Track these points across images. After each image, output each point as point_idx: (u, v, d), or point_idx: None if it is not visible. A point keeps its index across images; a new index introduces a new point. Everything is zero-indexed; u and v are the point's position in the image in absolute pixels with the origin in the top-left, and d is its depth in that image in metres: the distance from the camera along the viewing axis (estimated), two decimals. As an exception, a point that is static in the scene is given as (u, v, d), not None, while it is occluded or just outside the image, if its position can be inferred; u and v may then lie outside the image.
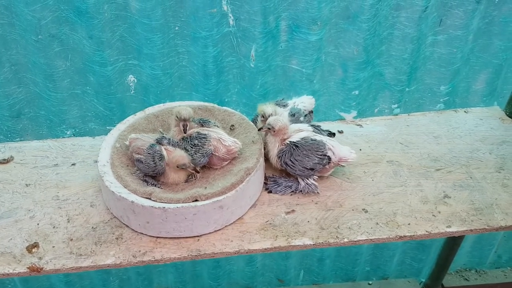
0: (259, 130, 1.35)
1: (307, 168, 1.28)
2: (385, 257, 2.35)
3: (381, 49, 1.71)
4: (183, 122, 1.27)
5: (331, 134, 1.40)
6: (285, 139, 1.30)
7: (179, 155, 1.23)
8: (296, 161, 1.27)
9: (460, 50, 1.72)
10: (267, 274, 2.36)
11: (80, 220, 1.24)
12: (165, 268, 2.21)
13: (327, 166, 1.30)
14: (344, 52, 1.71)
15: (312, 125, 1.35)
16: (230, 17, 1.57)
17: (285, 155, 1.28)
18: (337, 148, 1.30)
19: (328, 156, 1.28)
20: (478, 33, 1.72)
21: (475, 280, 2.45)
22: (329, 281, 2.44)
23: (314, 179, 1.31)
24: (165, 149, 1.24)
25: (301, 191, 1.31)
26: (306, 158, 1.27)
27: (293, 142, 1.28)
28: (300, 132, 1.31)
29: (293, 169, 1.28)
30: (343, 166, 1.37)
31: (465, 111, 1.65)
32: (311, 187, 1.30)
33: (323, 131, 1.37)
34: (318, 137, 1.30)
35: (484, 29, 1.71)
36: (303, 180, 1.30)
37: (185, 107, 1.29)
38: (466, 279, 2.46)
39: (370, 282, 2.47)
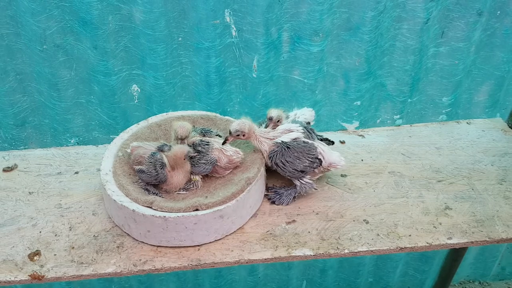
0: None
1: (298, 170, 1.27)
2: (388, 268, 2.34)
3: (383, 60, 1.72)
4: (180, 141, 1.28)
5: (328, 141, 1.38)
6: (274, 138, 1.29)
7: (177, 149, 1.23)
8: (287, 162, 1.26)
9: (462, 62, 1.73)
10: (269, 284, 2.35)
11: (82, 228, 1.25)
12: (167, 277, 2.21)
13: (316, 170, 1.30)
14: (346, 63, 1.72)
15: (304, 127, 1.33)
16: (233, 28, 1.59)
17: (276, 156, 1.27)
18: (327, 153, 1.29)
19: (319, 159, 1.28)
20: (480, 45, 1.72)
21: (478, 292, 2.44)
22: (332, 291, 2.44)
23: (308, 178, 1.30)
24: (166, 156, 1.24)
25: (299, 192, 1.31)
26: (297, 160, 1.26)
27: (285, 142, 1.27)
28: (291, 132, 1.30)
29: (284, 170, 1.27)
30: (331, 171, 1.35)
31: (467, 123, 1.65)
32: (307, 186, 1.30)
33: (317, 135, 1.35)
34: (310, 139, 1.30)
35: (486, 41, 1.72)
36: (298, 181, 1.30)
37: (183, 124, 1.28)
38: (470, 291, 2.45)
39: (373, 293, 2.46)
